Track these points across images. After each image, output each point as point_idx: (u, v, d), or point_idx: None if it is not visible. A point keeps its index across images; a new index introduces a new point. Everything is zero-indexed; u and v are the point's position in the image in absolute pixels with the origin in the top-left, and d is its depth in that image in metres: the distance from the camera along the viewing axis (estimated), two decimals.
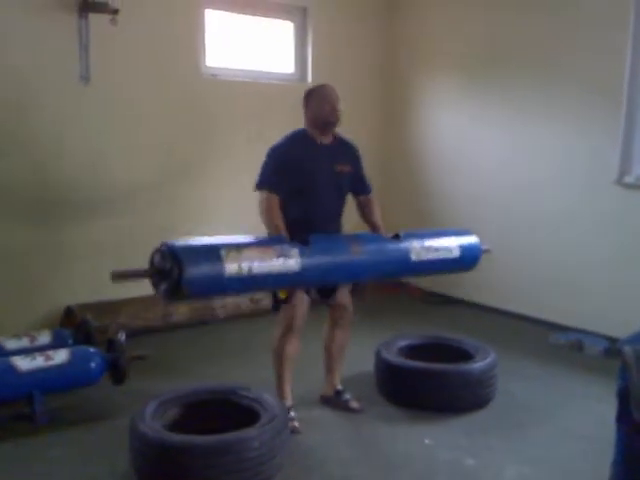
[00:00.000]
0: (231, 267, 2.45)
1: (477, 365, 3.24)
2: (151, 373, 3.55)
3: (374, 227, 3.15)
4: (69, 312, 4.10)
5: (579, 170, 4.38)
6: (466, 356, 3.38)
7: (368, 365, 3.49)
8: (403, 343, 3.54)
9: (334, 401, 3.24)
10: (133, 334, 3.77)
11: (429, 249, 3.05)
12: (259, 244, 2.65)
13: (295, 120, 4.97)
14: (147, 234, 4.41)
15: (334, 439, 2.94)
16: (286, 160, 2.96)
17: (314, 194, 2.97)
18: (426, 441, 2.91)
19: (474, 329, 4.43)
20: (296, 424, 2.96)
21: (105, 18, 3.98)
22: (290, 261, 2.59)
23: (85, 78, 4.08)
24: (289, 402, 3.04)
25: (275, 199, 2.89)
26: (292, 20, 5.15)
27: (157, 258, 2.49)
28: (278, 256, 2.57)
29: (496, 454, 2.82)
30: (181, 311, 4.39)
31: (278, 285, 2.79)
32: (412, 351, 3.49)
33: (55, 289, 4.16)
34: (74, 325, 3.80)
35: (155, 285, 2.51)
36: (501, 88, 4.82)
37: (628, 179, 4.12)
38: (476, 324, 4.69)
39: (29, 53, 3.89)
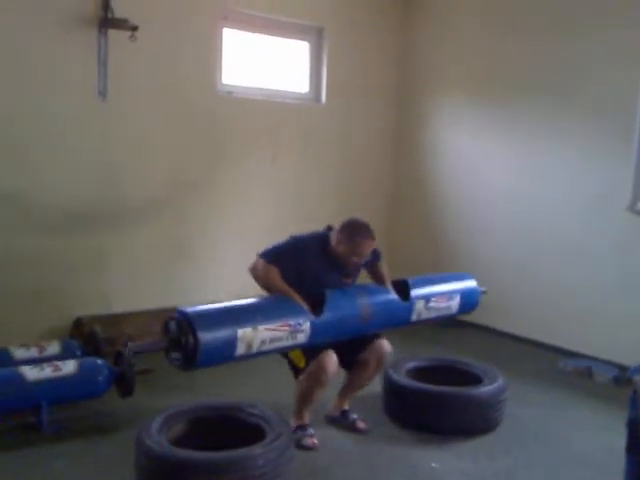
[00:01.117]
0: (244, 345, 2.62)
1: (485, 389, 3.21)
2: (157, 387, 3.55)
3: (380, 281, 3.23)
4: (79, 323, 4.11)
5: (591, 196, 4.37)
6: (475, 379, 3.36)
7: (376, 386, 3.47)
8: (411, 365, 3.52)
9: (340, 421, 3.23)
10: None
11: (430, 309, 3.29)
12: (275, 317, 2.73)
13: (307, 139, 5.08)
14: (156, 249, 4.47)
15: (339, 459, 2.93)
16: (298, 258, 3.00)
17: (316, 292, 2.99)
18: (432, 465, 2.89)
19: (483, 352, 4.41)
20: (315, 440, 2.98)
21: (124, 34, 4.04)
22: (300, 335, 2.78)
23: (103, 93, 4.13)
24: (306, 420, 3.05)
25: (274, 270, 2.94)
26: (308, 40, 5.21)
27: (172, 327, 2.58)
28: (290, 332, 2.74)
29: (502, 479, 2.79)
30: None
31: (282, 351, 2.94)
32: (420, 373, 3.47)
33: (66, 300, 4.17)
34: (83, 336, 3.82)
35: (167, 352, 2.61)
36: (514, 112, 4.83)
37: None
38: (485, 347, 4.66)
39: (49, 67, 3.95)
